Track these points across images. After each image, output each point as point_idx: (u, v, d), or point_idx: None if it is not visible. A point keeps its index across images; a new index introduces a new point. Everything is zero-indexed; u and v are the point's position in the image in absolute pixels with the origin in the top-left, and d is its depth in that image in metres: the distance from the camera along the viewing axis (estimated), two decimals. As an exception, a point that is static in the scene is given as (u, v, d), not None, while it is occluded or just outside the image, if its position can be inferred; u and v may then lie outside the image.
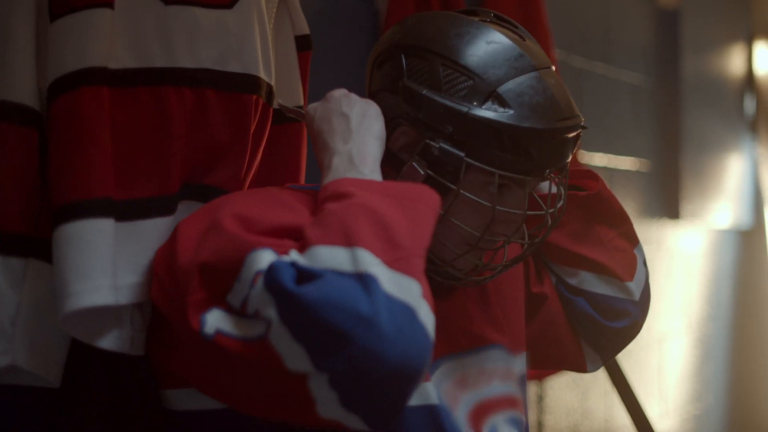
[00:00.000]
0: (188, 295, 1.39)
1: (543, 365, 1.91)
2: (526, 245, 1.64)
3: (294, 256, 1.32)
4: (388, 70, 1.59)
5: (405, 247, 1.33)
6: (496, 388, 1.66)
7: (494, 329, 1.71)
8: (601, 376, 3.84)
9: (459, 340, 1.65)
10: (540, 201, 1.70)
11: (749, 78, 5.41)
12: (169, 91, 1.60)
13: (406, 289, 1.29)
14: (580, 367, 1.89)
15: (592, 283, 1.80)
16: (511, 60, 1.54)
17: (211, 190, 1.67)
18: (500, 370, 1.68)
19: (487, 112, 1.51)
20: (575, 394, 3.64)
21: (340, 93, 1.58)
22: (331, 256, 1.30)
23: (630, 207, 4.15)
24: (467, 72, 1.53)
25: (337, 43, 2.48)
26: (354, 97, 1.57)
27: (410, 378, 1.27)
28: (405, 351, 1.26)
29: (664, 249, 4.50)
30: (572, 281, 1.81)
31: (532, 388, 3.39)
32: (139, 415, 1.60)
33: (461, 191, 1.53)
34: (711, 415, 5.01)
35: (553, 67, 1.62)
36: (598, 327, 1.83)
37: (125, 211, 1.53)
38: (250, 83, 1.68)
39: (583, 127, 1.60)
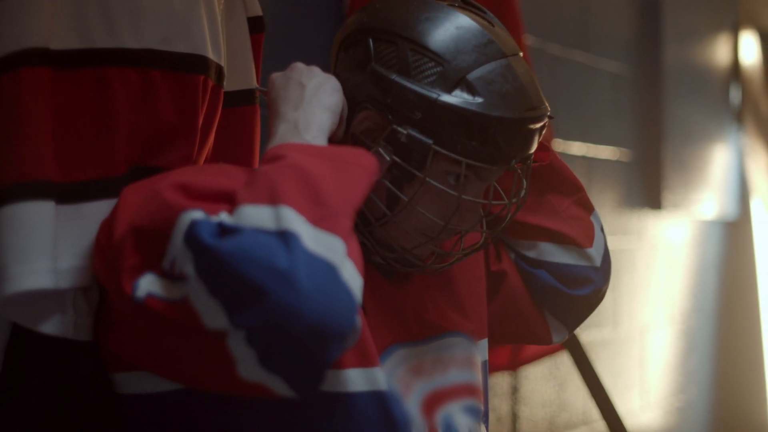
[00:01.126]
0: (123, 260, 1.38)
1: (508, 341, 1.91)
2: (484, 234, 1.63)
3: (223, 216, 1.32)
4: (354, 53, 1.58)
5: (332, 206, 1.33)
6: (454, 376, 1.64)
7: (459, 315, 1.70)
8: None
9: (413, 328, 1.63)
10: (501, 191, 1.69)
11: (735, 68, 5.38)
12: (113, 72, 1.58)
13: (329, 246, 1.29)
14: (546, 339, 1.87)
15: (552, 253, 1.78)
16: (480, 46, 1.53)
17: (161, 172, 1.63)
18: (459, 358, 1.66)
19: (457, 99, 1.50)
20: (552, 385, 3.62)
21: (304, 65, 1.58)
22: (255, 214, 1.30)
23: (610, 197, 4.13)
24: (437, 58, 1.52)
25: (301, 26, 2.45)
26: (316, 70, 1.56)
27: (330, 337, 1.27)
28: (324, 308, 1.26)
29: (646, 240, 4.48)
30: (532, 254, 1.80)
31: (505, 380, 3.37)
32: (86, 401, 1.57)
33: (427, 179, 1.52)
34: (695, 408, 4.99)
35: (522, 54, 1.61)
36: (561, 297, 1.81)
37: (67, 193, 1.51)
38: (197, 63, 1.65)
39: (550, 117, 1.59)
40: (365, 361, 1.51)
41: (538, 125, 1.56)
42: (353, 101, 1.56)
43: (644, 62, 4.40)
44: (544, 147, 1.77)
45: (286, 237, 1.27)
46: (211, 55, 1.67)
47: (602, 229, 1.84)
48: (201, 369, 1.38)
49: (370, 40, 1.56)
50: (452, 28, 1.54)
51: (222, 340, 1.29)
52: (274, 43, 2.35)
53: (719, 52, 5.24)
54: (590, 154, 3.96)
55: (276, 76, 1.59)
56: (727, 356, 5.37)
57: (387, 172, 1.54)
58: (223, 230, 1.29)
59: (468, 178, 1.56)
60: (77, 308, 1.52)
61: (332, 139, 1.55)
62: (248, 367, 1.30)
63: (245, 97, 1.82)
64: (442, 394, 1.61)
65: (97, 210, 1.53)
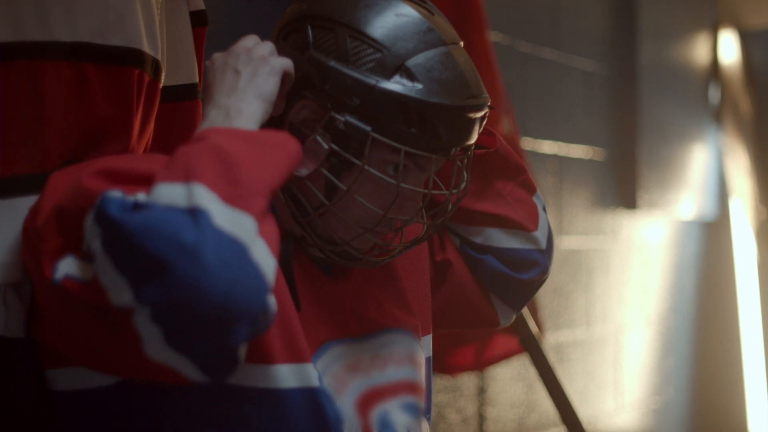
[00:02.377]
0: (45, 243, 1.36)
1: (456, 326, 1.91)
2: (426, 225, 1.61)
3: (140, 197, 1.30)
4: (293, 41, 1.56)
5: (247, 185, 1.31)
6: (392, 373, 1.63)
7: (401, 311, 1.69)
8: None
9: (351, 324, 1.62)
10: (439, 182, 1.68)
11: (714, 67, 5.35)
12: (45, 65, 1.55)
13: (239, 225, 1.28)
14: (494, 322, 1.87)
15: (498, 238, 1.78)
16: (420, 34, 1.52)
17: None
18: (399, 355, 1.65)
19: (396, 85, 1.49)
20: (521, 386, 3.59)
21: (243, 46, 1.55)
22: (168, 192, 1.29)
23: (583, 196, 4.10)
24: (376, 44, 1.51)
25: (250, 20, 2.42)
26: (255, 53, 1.53)
27: (236, 317, 1.26)
28: (230, 286, 1.24)
29: (621, 240, 4.45)
30: (478, 240, 1.79)
31: (472, 380, 3.34)
32: (21, 399, 1.53)
33: (366, 167, 1.51)
34: (672, 409, 4.96)
35: (462, 43, 1.60)
36: (508, 281, 1.81)
37: None
38: (132, 57, 1.63)
39: (491, 107, 1.58)
40: (296, 357, 1.49)
41: (479, 114, 1.55)
42: (292, 90, 1.54)
43: (619, 60, 4.37)
44: (489, 132, 1.76)
45: (195, 213, 1.26)
46: (146, 48, 1.65)
47: (545, 209, 1.83)
48: (112, 351, 1.36)
49: (309, 27, 1.55)
50: (392, 16, 1.53)
51: (129, 318, 1.28)
52: (223, 37, 2.32)
53: (698, 50, 5.21)
54: (562, 153, 3.93)
55: (216, 57, 1.56)
56: (705, 358, 5.34)
57: (325, 161, 1.53)
58: (135, 207, 1.28)
59: (407, 168, 1.55)
60: (8, 305, 1.50)
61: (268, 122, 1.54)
62: (154, 345, 1.28)
63: (187, 91, 1.80)
64: (380, 391, 1.60)
65: (29, 205, 1.49)
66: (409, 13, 1.54)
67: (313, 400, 1.49)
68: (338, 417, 1.51)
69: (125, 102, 1.63)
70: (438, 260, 1.79)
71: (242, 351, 1.32)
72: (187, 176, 1.30)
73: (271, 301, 1.31)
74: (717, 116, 5.34)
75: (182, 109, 1.80)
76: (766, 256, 5.52)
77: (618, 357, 4.41)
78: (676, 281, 5.04)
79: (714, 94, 5.35)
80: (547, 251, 1.82)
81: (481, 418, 3.40)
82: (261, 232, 1.29)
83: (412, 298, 1.73)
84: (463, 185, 1.60)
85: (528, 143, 3.67)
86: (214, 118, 1.47)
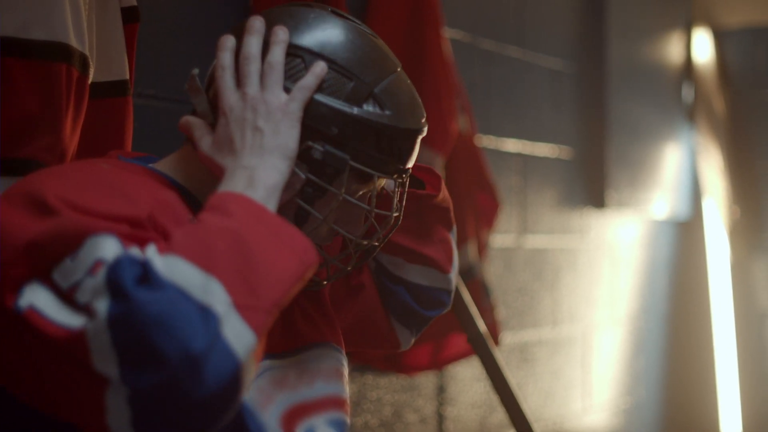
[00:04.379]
0: (5, 269, 1.31)
1: (358, 347, 1.92)
2: (376, 242, 1.62)
3: (151, 254, 1.27)
4: None
5: (260, 297, 1.30)
6: (320, 388, 1.63)
7: (328, 326, 1.70)
8: (512, 372, 3.78)
9: (279, 339, 1.60)
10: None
11: (688, 66, 5.34)
12: None
13: (243, 340, 1.26)
14: (395, 347, 1.88)
15: (415, 274, 1.79)
16: (378, 60, 1.54)
17: (27, 163, 1.60)
18: (326, 369, 1.65)
19: (370, 113, 1.50)
20: (482, 386, 3.56)
21: (259, 97, 1.47)
22: (185, 273, 1.26)
23: (549, 195, 4.08)
24: (347, 72, 1.51)
25: (183, 17, 2.40)
26: (272, 103, 1.47)
27: (211, 424, 1.26)
28: (214, 401, 1.24)
29: (589, 239, 4.43)
30: (395, 271, 1.79)
31: (430, 380, 3.32)
32: None
33: (344, 195, 1.52)
34: (643, 410, 4.95)
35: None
36: (414, 314, 1.83)
37: None
38: (59, 52, 1.62)
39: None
40: None
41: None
42: None
43: (588, 59, 4.35)
44: (436, 175, 1.77)
45: (207, 315, 1.24)
46: (74, 43, 1.63)
47: (455, 243, 1.85)
48: (67, 400, 1.33)
49: None
50: (354, 43, 1.53)
51: (102, 387, 1.26)
52: (156, 34, 2.30)
53: (672, 49, 5.20)
54: (526, 151, 3.91)
55: (232, 107, 1.48)
56: (677, 358, 5.33)
57: (299, 191, 1.52)
58: (147, 278, 1.25)
59: (366, 192, 1.57)
60: None
61: None
62: (119, 422, 1.26)
63: (117, 88, 1.78)
64: (306, 406, 1.59)
65: None
66: (366, 39, 1.55)
67: (235, 415, 1.47)
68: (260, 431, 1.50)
69: (53, 97, 1.61)
70: (354, 283, 1.80)
71: None
72: (207, 263, 1.27)
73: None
74: (690, 115, 5.33)
75: (112, 106, 1.78)
76: (739, 256, 5.51)
77: (586, 357, 4.39)
78: (648, 281, 5.02)
79: (687, 94, 5.33)
80: (453, 291, 1.86)
81: (441, 417, 3.38)
82: (255, 354, 1.28)
83: (333, 314, 1.74)
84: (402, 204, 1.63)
85: (491, 141, 3.65)
86: (237, 180, 1.41)
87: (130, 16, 1.82)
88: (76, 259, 1.29)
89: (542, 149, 4.03)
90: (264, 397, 1.53)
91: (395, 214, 1.60)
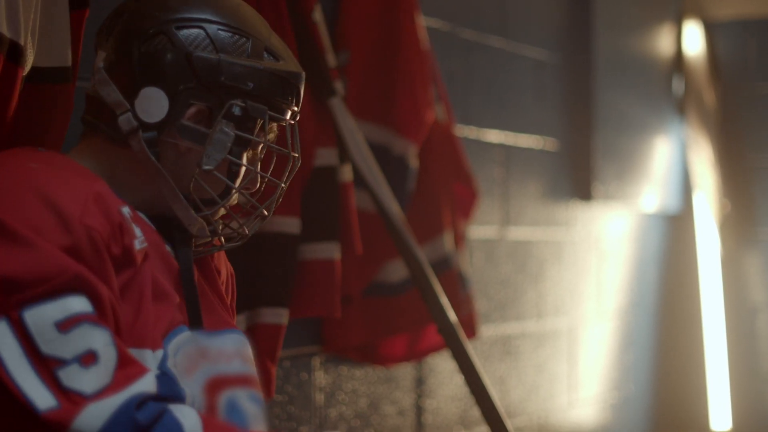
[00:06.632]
0: None
1: None
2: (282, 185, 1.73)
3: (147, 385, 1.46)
4: (159, 46, 1.62)
5: None
6: (237, 367, 1.68)
7: (232, 317, 1.80)
8: (494, 365, 3.74)
9: (206, 320, 1.68)
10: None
11: (678, 58, 5.30)
12: None
13: None
14: None
15: None
16: (253, 15, 1.70)
17: None
18: (242, 352, 1.71)
19: (274, 64, 1.66)
20: (462, 379, 3.52)
21: None
22: None
23: (533, 186, 4.05)
24: (242, 32, 1.65)
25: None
26: None
27: None
28: None
29: (575, 231, 4.39)
30: None
31: (408, 371, 3.29)
32: None
33: (267, 143, 1.69)
34: (631, 404, 4.91)
35: None
36: None
37: None
38: None
39: None
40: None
41: None
42: (173, 94, 1.62)
43: (573, 50, 4.31)
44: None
45: None
46: (4, 30, 1.61)
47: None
48: None
49: (173, 29, 1.62)
50: (235, 4, 1.69)
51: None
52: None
53: (662, 41, 5.16)
54: (509, 142, 3.87)
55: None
56: (667, 352, 5.30)
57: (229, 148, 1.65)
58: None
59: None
60: None
61: None
62: None
63: (59, 74, 1.75)
64: (227, 380, 1.64)
65: None
66: None
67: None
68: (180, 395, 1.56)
69: None
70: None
71: None
72: None
73: None
74: (681, 108, 5.29)
75: (53, 92, 1.75)
76: (730, 250, 5.48)
77: (573, 350, 4.36)
78: (638, 274, 4.98)
79: (678, 86, 5.29)
80: None
81: (419, 409, 3.34)
82: None
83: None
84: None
85: (472, 132, 3.62)
86: None
87: (77, 2, 1.79)
88: (59, 330, 1.40)
89: (525, 140, 3.99)
90: (190, 363, 1.58)
91: (295, 154, 1.71)
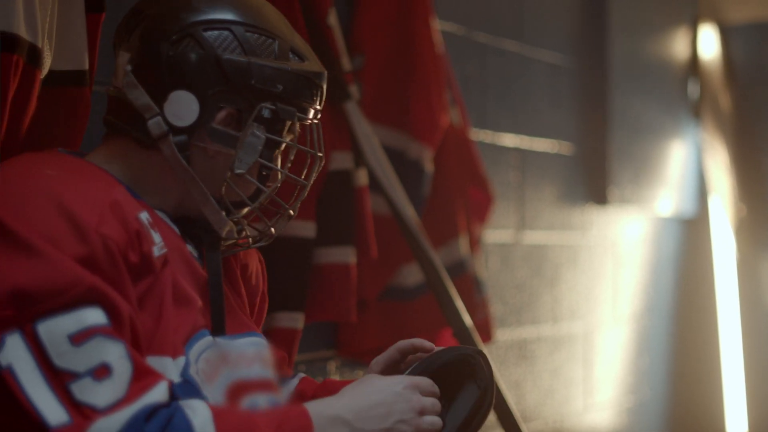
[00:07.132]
0: None
1: None
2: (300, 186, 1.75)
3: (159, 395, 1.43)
4: (187, 49, 1.60)
5: None
6: (257, 372, 1.67)
7: (252, 321, 1.79)
8: (510, 369, 3.74)
9: (229, 323, 1.66)
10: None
11: (693, 62, 5.29)
12: None
13: None
14: None
15: None
16: (276, 15, 1.68)
17: None
18: (263, 356, 1.70)
19: (301, 65, 1.65)
20: (478, 382, 3.52)
21: (417, 403, 1.59)
22: None
23: (548, 190, 4.04)
24: (268, 33, 1.64)
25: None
26: (424, 422, 1.59)
27: None
28: None
29: (590, 235, 4.38)
30: None
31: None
32: None
33: (297, 145, 1.69)
34: (647, 408, 4.89)
35: None
36: None
37: None
38: (6, 42, 1.59)
39: None
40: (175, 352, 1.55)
41: None
42: (204, 97, 1.60)
43: (588, 53, 4.31)
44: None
45: None
46: (23, 33, 1.61)
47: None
48: None
49: (201, 32, 1.60)
50: (255, 3, 1.66)
51: None
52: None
53: (677, 45, 5.15)
54: (524, 146, 3.87)
55: (394, 385, 1.61)
56: (683, 356, 5.28)
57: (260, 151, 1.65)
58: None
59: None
60: None
61: None
62: None
63: (74, 77, 1.76)
64: (249, 385, 1.63)
65: None
66: None
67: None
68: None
69: None
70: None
71: None
72: None
73: None
74: (696, 112, 5.27)
75: (65, 95, 1.76)
76: (745, 254, 5.46)
77: (588, 354, 4.35)
78: (653, 278, 4.97)
79: (693, 90, 5.28)
80: None
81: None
82: None
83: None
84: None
85: (487, 136, 3.62)
86: (333, 426, 1.52)
87: (94, 5, 1.80)
88: (73, 342, 1.38)
89: (541, 144, 3.99)
90: (212, 369, 1.57)
91: (320, 154, 1.72)
